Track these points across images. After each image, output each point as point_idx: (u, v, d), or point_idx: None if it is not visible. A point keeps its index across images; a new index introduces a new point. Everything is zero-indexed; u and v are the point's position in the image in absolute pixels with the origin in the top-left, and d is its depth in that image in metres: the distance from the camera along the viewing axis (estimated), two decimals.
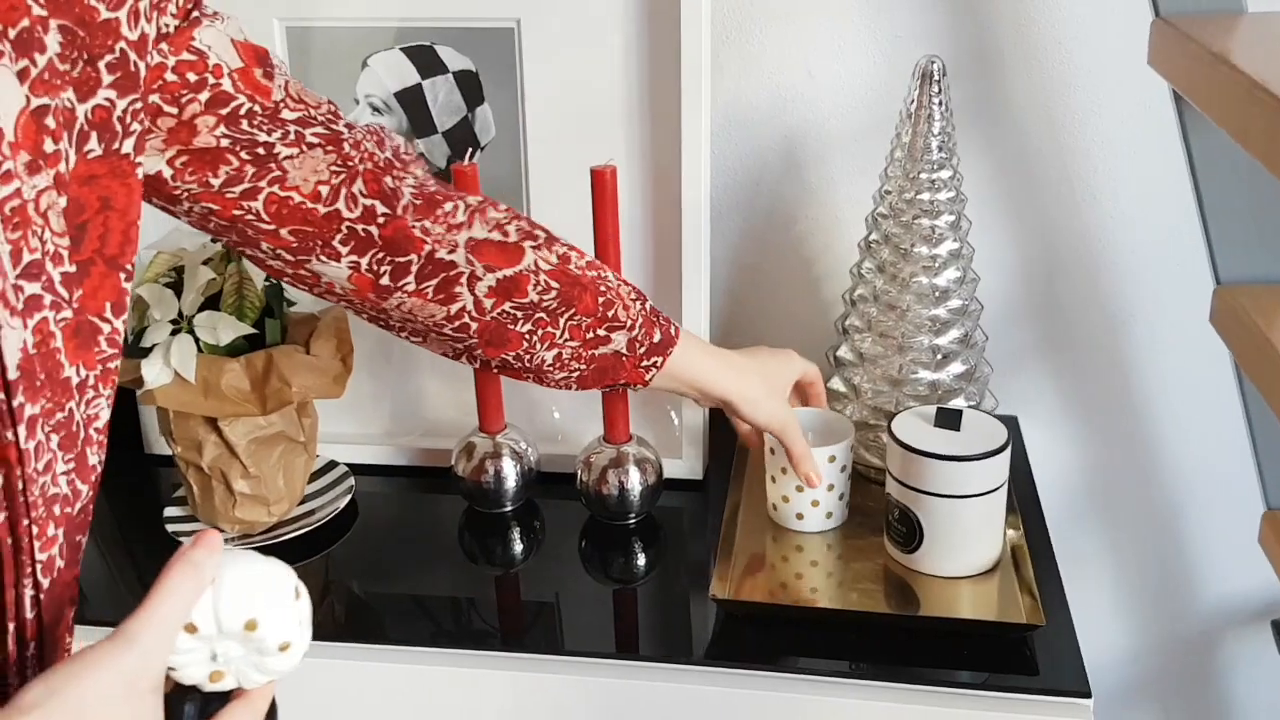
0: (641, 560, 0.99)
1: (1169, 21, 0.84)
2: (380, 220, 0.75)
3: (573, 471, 1.03)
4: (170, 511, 1.03)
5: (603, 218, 0.93)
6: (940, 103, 0.94)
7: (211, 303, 0.93)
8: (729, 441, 1.11)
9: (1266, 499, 0.98)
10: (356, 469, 1.09)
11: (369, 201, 0.74)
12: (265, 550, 0.97)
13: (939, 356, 0.99)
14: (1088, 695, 0.81)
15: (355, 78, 1.05)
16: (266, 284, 0.95)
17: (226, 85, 0.66)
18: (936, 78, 0.94)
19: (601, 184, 0.92)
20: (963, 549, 0.91)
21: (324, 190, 0.73)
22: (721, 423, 1.12)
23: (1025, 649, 0.85)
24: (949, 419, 0.92)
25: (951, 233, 0.98)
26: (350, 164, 0.74)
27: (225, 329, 0.91)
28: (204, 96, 0.65)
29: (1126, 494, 1.23)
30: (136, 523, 1.05)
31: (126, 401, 1.03)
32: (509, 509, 1.04)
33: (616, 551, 1.00)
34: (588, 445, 1.02)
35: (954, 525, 0.90)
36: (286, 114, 0.70)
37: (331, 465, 1.08)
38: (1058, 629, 0.86)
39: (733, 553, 0.95)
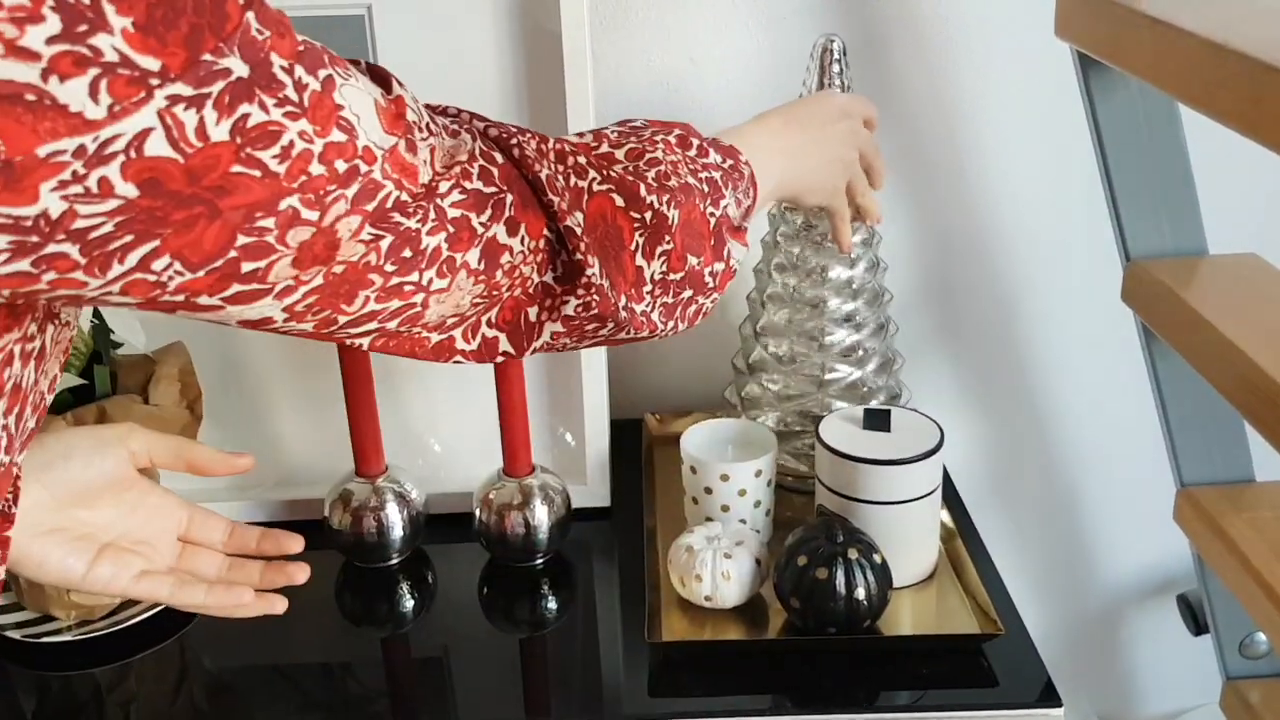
0: (553, 605, 0.89)
1: None
2: (500, 357, 0.57)
3: (466, 511, 0.92)
4: None
5: None
6: (843, 83, 0.88)
7: None
8: (633, 459, 1.03)
9: (1180, 477, 0.97)
10: None
11: (492, 334, 0.56)
12: (109, 638, 0.83)
13: (860, 352, 0.93)
14: (1058, 704, 0.76)
15: None
16: (94, 322, 0.80)
17: (377, 172, 0.44)
18: (836, 56, 0.88)
19: None
20: (904, 557, 0.85)
21: (450, 321, 0.54)
22: (623, 440, 1.04)
23: (982, 660, 0.80)
24: (878, 420, 0.87)
25: (861, 220, 0.92)
26: (498, 291, 0.54)
27: None
28: (352, 191, 0.43)
29: (1027, 476, 1.21)
30: None
31: None
32: (395, 561, 0.92)
33: (523, 597, 0.90)
34: (485, 481, 0.91)
35: (893, 532, 0.84)
36: (443, 187, 0.49)
37: None
38: (1013, 634, 0.81)
39: (659, 587, 0.86)
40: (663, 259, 0.60)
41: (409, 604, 0.91)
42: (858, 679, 0.79)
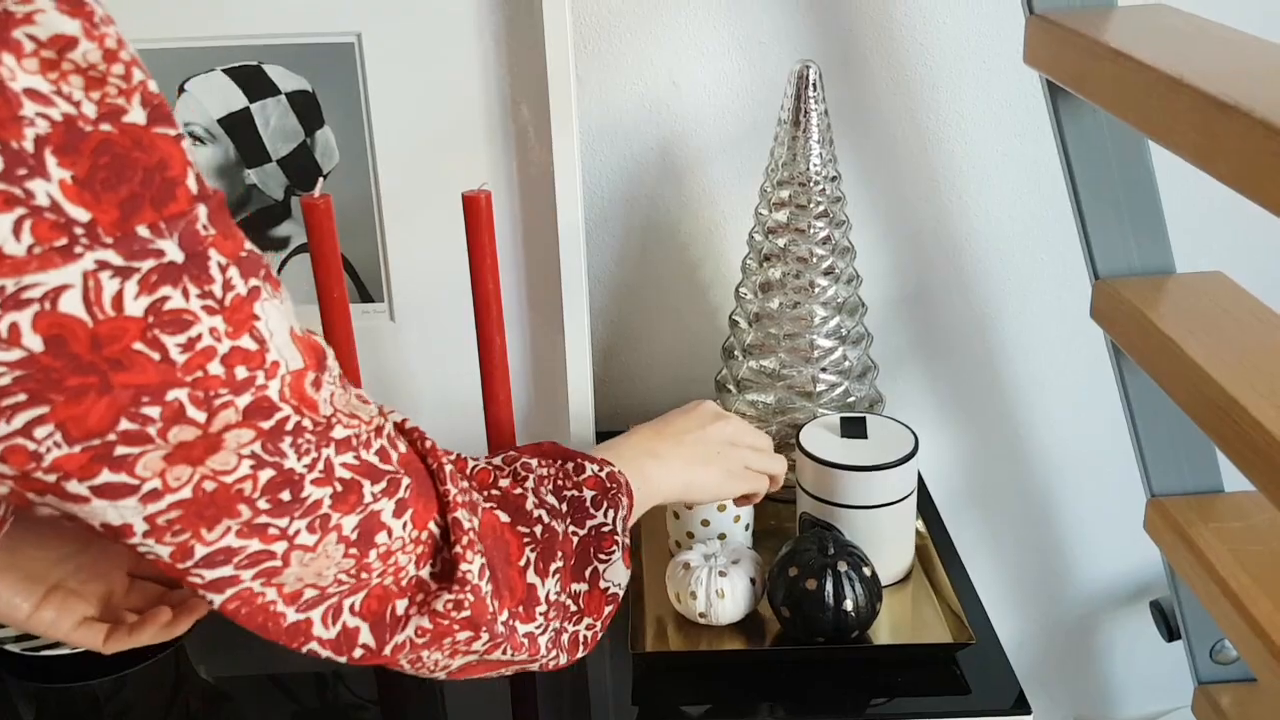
0: None
1: (1047, 18, 0.83)
2: (357, 654, 0.53)
3: None
4: None
5: (479, 248, 0.84)
6: (819, 107, 0.91)
7: None
8: None
9: (1150, 487, 1.00)
10: None
11: (355, 623, 0.52)
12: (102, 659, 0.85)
13: (846, 363, 0.96)
14: (1027, 711, 0.79)
15: (172, 105, 0.93)
16: None
17: (273, 391, 0.44)
18: (812, 81, 0.90)
19: (475, 211, 0.83)
20: (882, 558, 0.87)
21: (309, 596, 0.50)
22: None
23: (954, 667, 0.83)
24: (855, 428, 0.90)
25: (844, 237, 0.95)
26: (368, 574, 0.51)
27: None
28: (244, 401, 0.43)
29: (1001, 486, 1.24)
30: None
31: None
32: None
33: None
34: None
35: (872, 535, 0.87)
36: (339, 433, 0.48)
37: None
38: (984, 643, 0.84)
39: (644, 596, 0.89)
40: (556, 577, 0.59)
41: None
42: (838, 688, 0.81)
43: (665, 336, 1.14)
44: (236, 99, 0.93)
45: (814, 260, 0.94)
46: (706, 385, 1.05)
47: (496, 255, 0.85)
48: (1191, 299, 0.91)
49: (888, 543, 0.88)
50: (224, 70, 0.92)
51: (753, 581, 0.84)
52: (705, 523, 0.90)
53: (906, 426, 0.90)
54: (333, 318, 0.86)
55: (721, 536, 0.90)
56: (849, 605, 0.79)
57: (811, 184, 0.92)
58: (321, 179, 0.95)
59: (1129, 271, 0.94)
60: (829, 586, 0.79)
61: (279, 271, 0.98)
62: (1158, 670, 1.25)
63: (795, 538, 0.84)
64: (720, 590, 0.83)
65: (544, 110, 0.90)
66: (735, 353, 0.99)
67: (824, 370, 0.96)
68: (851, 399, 0.97)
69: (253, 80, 0.92)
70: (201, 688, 0.86)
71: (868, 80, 1.05)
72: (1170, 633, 1.19)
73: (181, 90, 0.92)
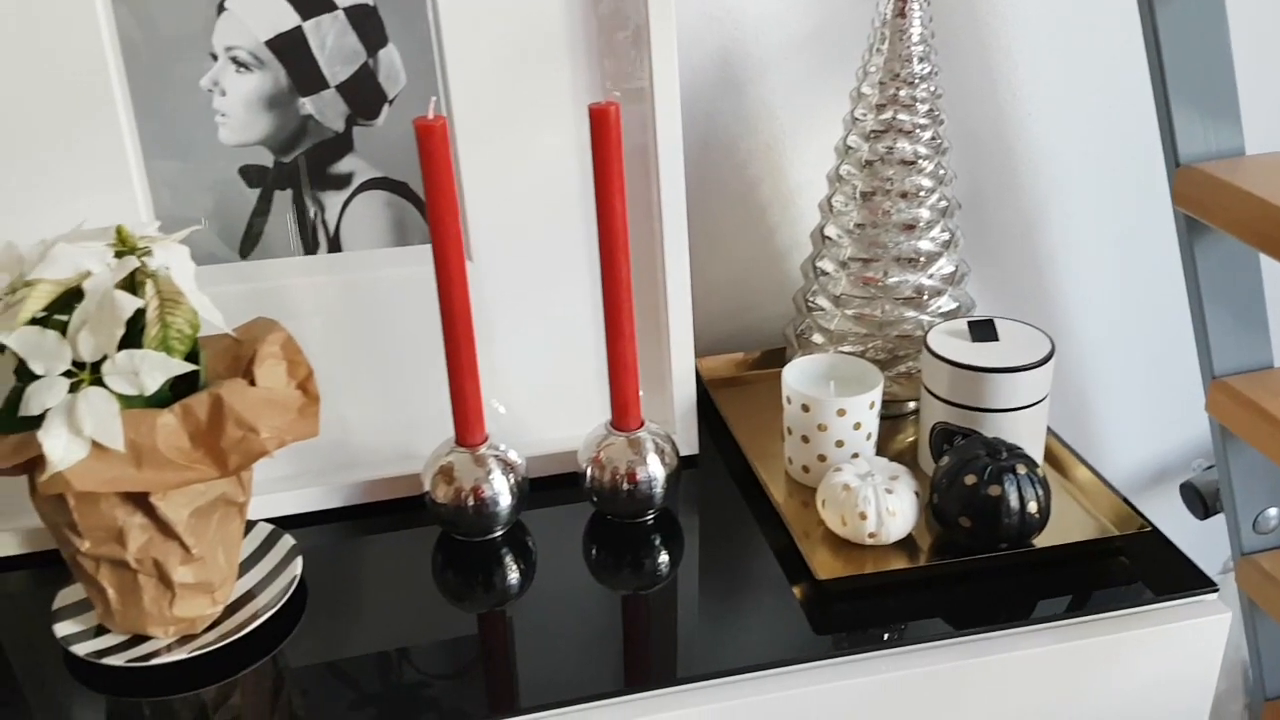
0: (666, 558, 0.86)
1: None
2: None
3: (554, 473, 0.88)
4: (65, 629, 0.76)
5: (606, 163, 0.77)
6: None
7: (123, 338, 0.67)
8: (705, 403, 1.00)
9: (1213, 367, 1.02)
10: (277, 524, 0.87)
11: None
12: (212, 660, 0.75)
13: (949, 268, 0.94)
14: (1214, 588, 0.79)
15: (211, 27, 0.81)
16: None
17: None
18: None
19: (603, 125, 0.76)
20: None
21: None
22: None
23: (1122, 557, 0.82)
24: (984, 331, 0.88)
25: (944, 135, 0.92)
26: None
27: (152, 371, 0.67)
28: None
29: None
30: (20, 653, 0.77)
31: None
32: (500, 533, 0.87)
33: (637, 553, 0.86)
34: (592, 437, 0.86)
35: (1017, 439, 0.85)
36: None
37: (248, 524, 0.85)
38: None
39: (789, 524, 0.85)
40: None
41: (515, 574, 0.85)
42: (1009, 594, 0.79)
43: (723, 259, 1.09)
44: (287, 17, 0.82)
45: (919, 162, 0.91)
46: (766, 309, 1.02)
47: (624, 172, 0.78)
48: (1272, 171, 0.94)
49: (1025, 445, 0.87)
50: None
51: (917, 495, 0.82)
52: (840, 443, 0.87)
53: (1035, 326, 0.89)
54: (449, 260, 0.78)
55: (855, 456, 0.87)
56: (1033, 508, 0.78)
57: (917, 82, 0.89)
58: (387, 105, 0.85)
59: (1205, 156, 0.95)
60: (1013, 491, 0.77)
61: (340, 215, 0.87)
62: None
63: (955, 447, 0.82)
64: (890, 509, 0.80)
65: (641, 16, 0.83)
66: (828, 268, 0.95)
67: (929, 277, 0.94)
68: (955, 305, 0.95)
69: None
70: (303, 684, 0.77)
71: None
72: (1206, 510, 1.24)
73: (221, 9, 0.80)
